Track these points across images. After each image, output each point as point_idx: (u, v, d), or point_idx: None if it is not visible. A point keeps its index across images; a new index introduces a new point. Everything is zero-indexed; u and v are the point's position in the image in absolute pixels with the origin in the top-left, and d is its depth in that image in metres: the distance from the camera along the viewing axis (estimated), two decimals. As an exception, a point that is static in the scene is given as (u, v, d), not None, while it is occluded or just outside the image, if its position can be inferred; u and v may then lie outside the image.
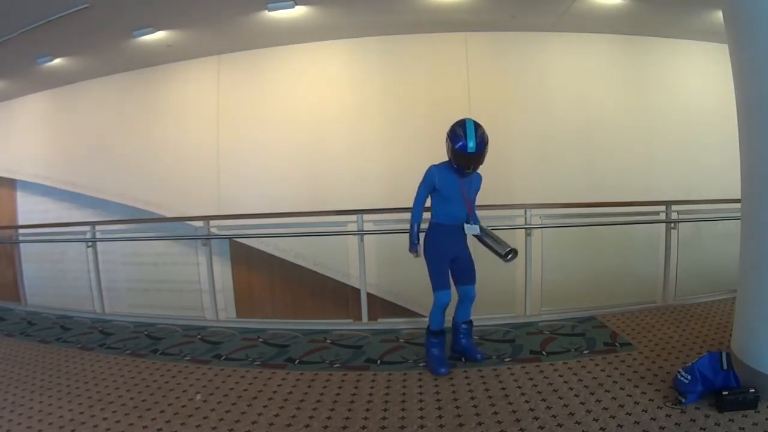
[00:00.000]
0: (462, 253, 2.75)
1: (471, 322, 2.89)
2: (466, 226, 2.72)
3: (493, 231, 2.79)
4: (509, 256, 2.64)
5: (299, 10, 4.78)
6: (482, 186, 2.79)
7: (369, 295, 3.80)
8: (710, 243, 4.29)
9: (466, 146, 2.50)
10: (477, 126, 2.55)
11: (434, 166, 2.66)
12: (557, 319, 3.50)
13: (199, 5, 4.62)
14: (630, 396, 2.28)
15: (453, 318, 2.89)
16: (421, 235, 2.75)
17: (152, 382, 2.72)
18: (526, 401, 2.30)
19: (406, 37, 5.62)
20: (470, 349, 2.87)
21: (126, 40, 5.26)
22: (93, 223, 4.54)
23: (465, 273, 2.76)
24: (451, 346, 2.89)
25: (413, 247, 2.74)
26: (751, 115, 2.21)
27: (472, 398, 2.36)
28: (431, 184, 2.65)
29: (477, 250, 2.81)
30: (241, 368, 2.87)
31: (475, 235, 2.75)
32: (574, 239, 4.17)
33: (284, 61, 5.91)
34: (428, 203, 2.76)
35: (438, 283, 2.68)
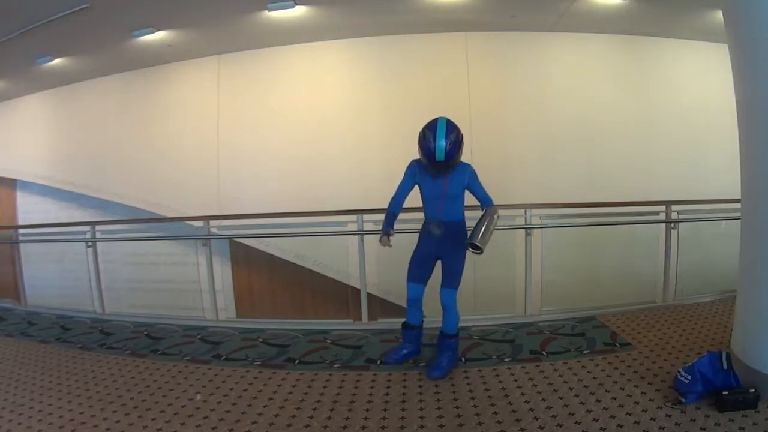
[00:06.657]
0: (445, 254, 2.60)
1: (452, 336, 2.65)
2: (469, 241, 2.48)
3: (488, 228, 2.51)
4: (473, 249, 2.47)
5: (299, 10, 4.78)
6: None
7: (369, 295, 3.79)
8: (710, 243, 4.29)
9: (434, 153, 2.36)
10: (450, 129, 2.36)
11: (415, 159, 2.56)
12: (557, 319, 3.49)
13: (199, 5, 4.63)
14: (630, 396, 2.29)
15: None
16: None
17: (152, 382, 2.72)
18: (526, 401, 2.30)
19: (406, 37, 5.62)
20: (435, 363, 2.64)
21: (126, 40, 5.27)
22: (93, 223, 4.53)
23: (444, 275, 2.61)
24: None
25: (381, 234, 2.63)
26: (751, 115, 2.21)
27: (472, 398, 2.36)
28: (412, 177, 2.59)
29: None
30: (241, 368, 2.86)
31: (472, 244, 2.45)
32: (574, 239, 4.17)
33: (284, 61, 5.92)
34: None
35: (408, 275, 2.68)
